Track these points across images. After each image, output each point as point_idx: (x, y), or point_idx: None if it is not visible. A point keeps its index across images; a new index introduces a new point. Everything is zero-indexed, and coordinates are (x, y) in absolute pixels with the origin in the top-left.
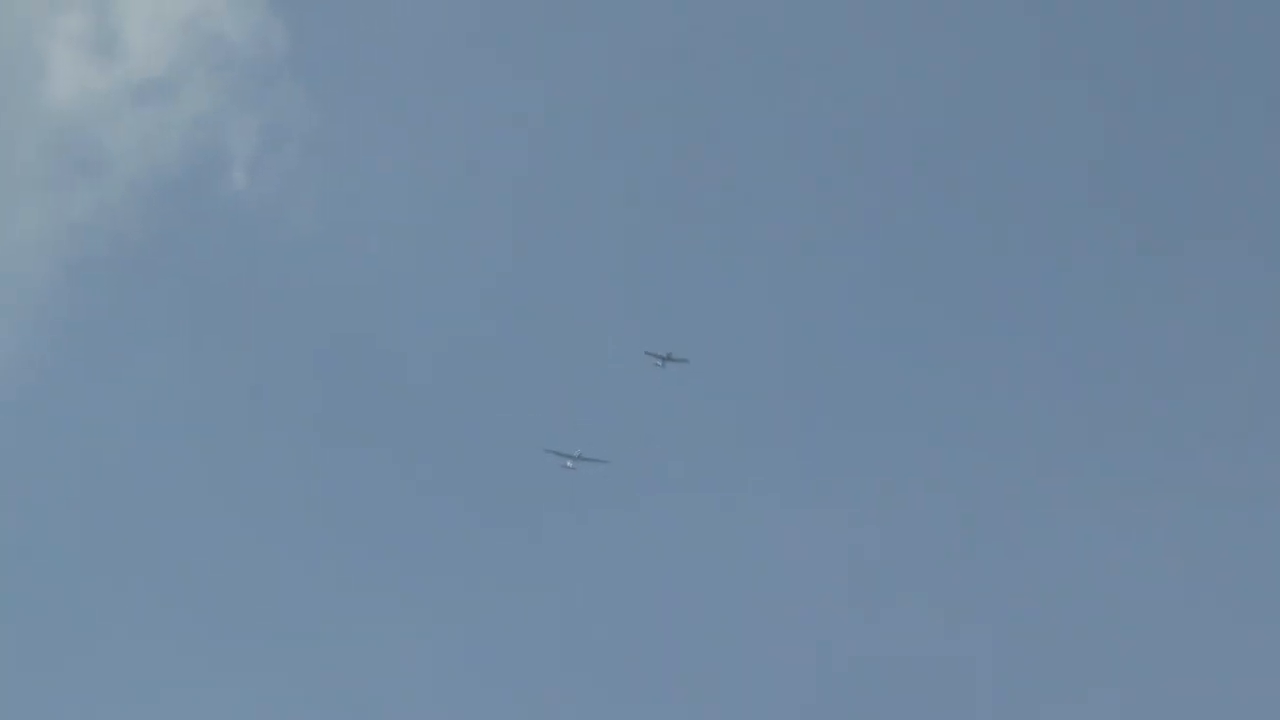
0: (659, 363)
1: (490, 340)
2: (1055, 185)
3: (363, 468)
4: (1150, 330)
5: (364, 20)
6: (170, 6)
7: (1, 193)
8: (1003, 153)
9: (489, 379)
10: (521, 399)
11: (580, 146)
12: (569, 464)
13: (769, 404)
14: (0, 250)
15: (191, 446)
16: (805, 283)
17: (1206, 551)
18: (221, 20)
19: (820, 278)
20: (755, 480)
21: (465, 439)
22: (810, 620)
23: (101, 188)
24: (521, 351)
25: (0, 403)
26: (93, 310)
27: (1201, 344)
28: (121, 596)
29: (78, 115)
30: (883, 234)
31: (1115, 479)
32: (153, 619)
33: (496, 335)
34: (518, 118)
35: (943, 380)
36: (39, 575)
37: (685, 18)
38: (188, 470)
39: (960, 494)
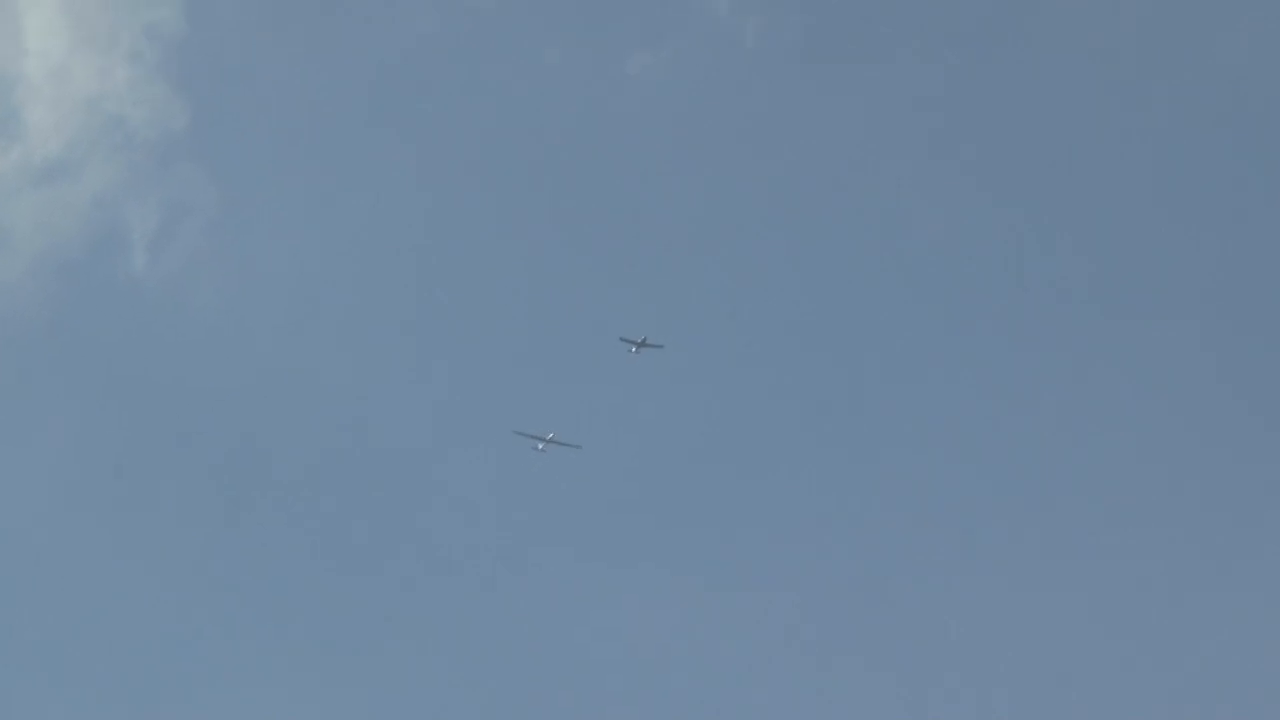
0: (633, 349)
1: (392, 419)
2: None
3: (260, 547)
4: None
5: (264, 101)
6: (70, 87)
7: None
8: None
9: (389, 459)
10: (422, 482)
11: (482, 220)
12: (540, 447)
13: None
14: None
15: (90, 526)
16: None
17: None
18: (122, 100)
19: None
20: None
21: (364, 520)
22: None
23: (1, 267)
24: (424, 432)
25: None
26: None
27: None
28: (11, 670)
29: None
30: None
31: (1030, 553)
32: (40, 693)
33: (400, 415)
34: (418, 197)
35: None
36: None
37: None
38: (85, 550)
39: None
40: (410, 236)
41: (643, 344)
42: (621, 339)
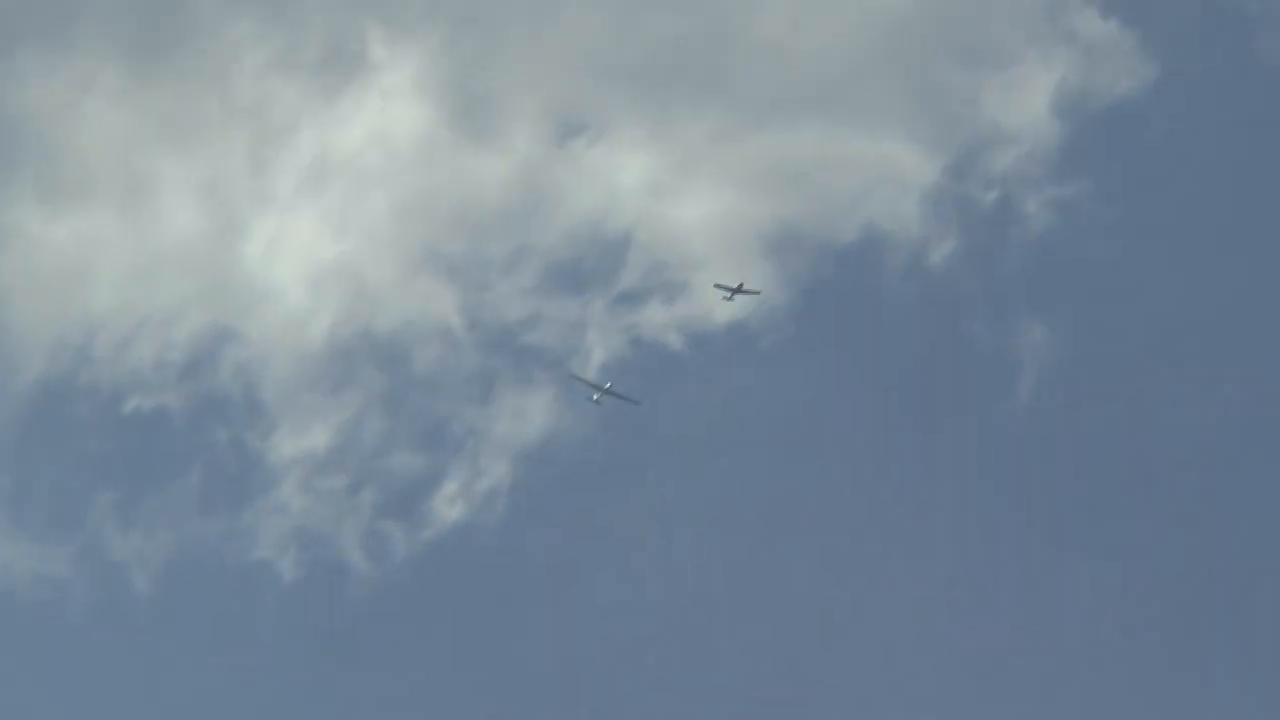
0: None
1: None
2: None
3: None
4: None
5: None
6: None
7: None
8: None
9: None
10: None
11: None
12: (595, 398)
13: None
14: None
15: None
16: None
17: None
18: None
19: None
20: None
21: None
22: None
23: None
24: None
25: None
26: None
27: None
28: None
29: None
30: None
31: None
32: None
33: None
34: None
35: None
36: None
37: None
38: None
39: None
40: None
41: (738, 290)
42: (715, 283)
